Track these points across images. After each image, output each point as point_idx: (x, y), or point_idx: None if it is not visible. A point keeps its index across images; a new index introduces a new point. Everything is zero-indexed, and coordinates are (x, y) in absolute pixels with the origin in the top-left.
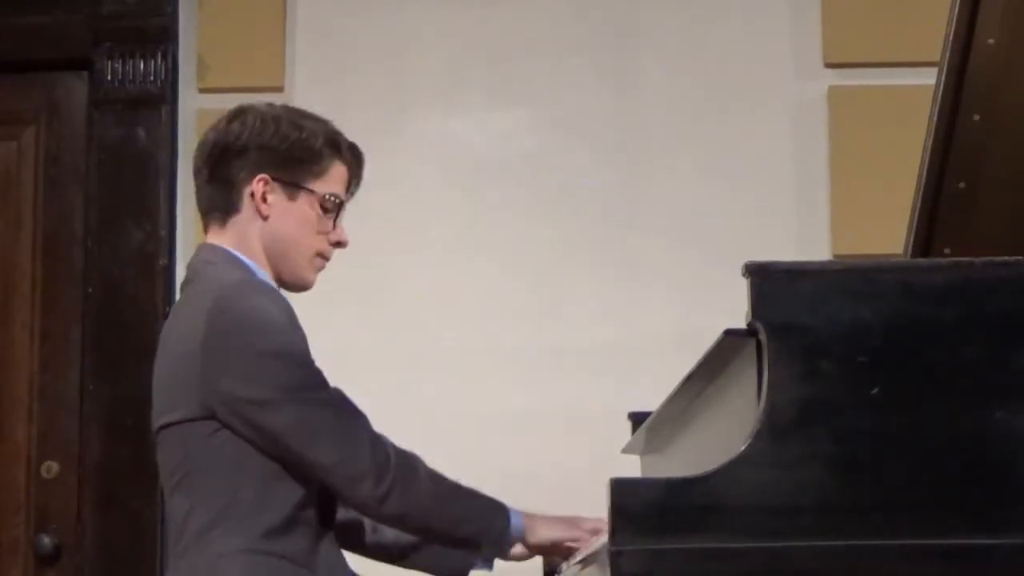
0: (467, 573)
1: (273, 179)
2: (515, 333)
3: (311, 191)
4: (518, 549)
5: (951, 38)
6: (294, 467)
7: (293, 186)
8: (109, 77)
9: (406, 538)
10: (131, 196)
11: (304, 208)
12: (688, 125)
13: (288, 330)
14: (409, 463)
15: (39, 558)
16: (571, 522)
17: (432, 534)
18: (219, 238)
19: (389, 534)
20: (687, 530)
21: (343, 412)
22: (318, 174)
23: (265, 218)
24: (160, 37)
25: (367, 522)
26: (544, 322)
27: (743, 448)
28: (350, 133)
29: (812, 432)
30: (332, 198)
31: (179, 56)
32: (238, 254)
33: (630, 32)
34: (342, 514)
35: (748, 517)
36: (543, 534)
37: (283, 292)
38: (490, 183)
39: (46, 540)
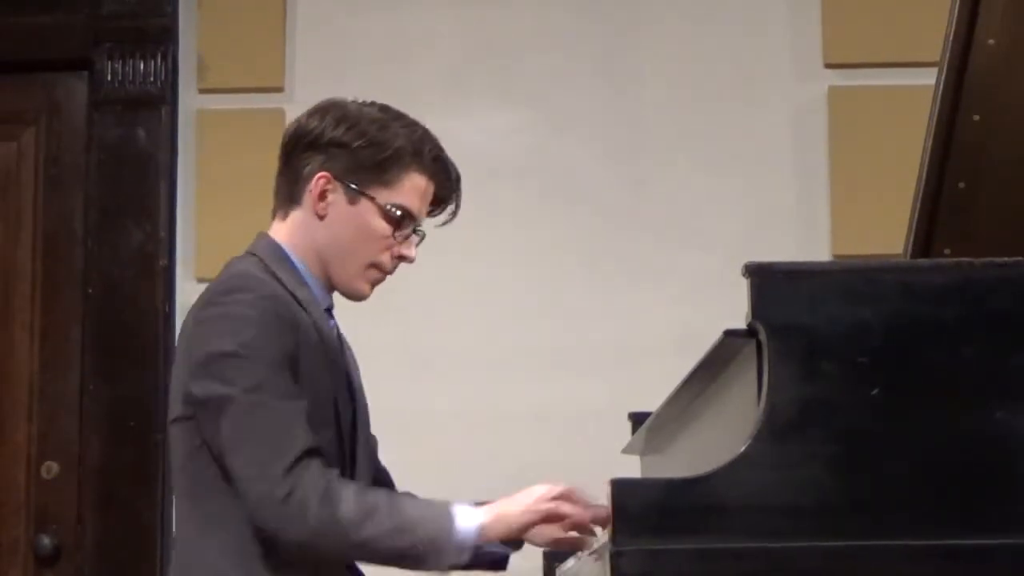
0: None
1: (335, 178)
2: (515, 333)
3: (372, 198)
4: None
5: (951, 38)
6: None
7: (355, 190)
8: (109, 77)
9: None
10: (131, 196)
11: (363, 216)
12: (688, 125)
13: (256, 329)
14: (333, 489)
15: (39, 558)
16: (524, 503)
17: (361, 560)
18: (278, 229)
19: None
20: (687, 530)
21: (276, 425)
22: (388, 182)
23: (322, 218)
24: (160, 37)
25: None
26: (544, 322)
27: (743, 448)
28: None
29: (812, 432)
30: (396, 210)
31: (179, 56)
32: (287, 249)
33: (630, 32)
34: None
35: (748, 517)
36: (516, 520)
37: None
38: (491, 183)
39: (46, 540)
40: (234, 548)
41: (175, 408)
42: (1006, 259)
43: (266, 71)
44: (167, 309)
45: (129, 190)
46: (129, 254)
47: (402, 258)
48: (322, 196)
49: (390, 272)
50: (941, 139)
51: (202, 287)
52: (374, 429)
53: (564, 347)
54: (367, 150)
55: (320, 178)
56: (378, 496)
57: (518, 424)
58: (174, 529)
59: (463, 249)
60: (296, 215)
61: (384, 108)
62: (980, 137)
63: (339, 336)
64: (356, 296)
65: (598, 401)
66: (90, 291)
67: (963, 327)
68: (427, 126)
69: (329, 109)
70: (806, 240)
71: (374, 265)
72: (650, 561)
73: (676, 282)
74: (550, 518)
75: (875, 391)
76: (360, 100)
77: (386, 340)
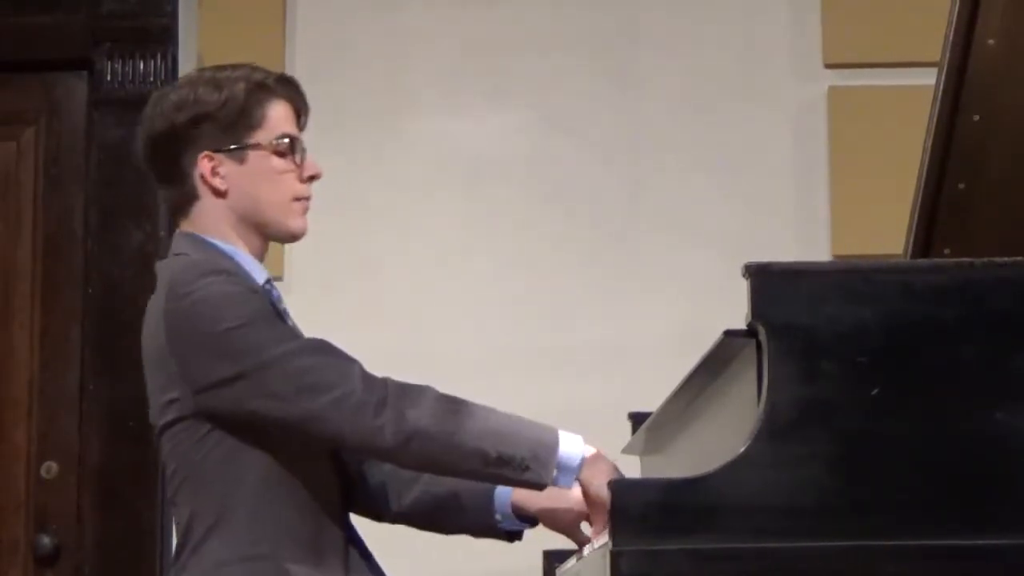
0: (492, 521)
1: (215, 152)
2: (514, 333)
3: (256, 145)
4: (565, 502)
5: (951, 38)
6: (287, 456)
7: (237, 150)
8: (109, 77)
9: (428, 497)
10: (131, 196)
11: (258, 165)
12: (688, 125)
13: (243, 300)
14: (412, 388)
15: (38, 558)
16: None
17: (456, 463)
18: (189, 228)
19: (408, 499)
20: (687, 531)
21: (321, 354)
22: (256, 125)
23: (224, 193)
24: (160, 37)
25: (391, 491)
26: (543, 322)
27: (743, 449)
28: (350, 133)
29: (812, 432)
30: (282, 140)
31: (179, 56)
32: (208, 238)
33: (630, 32)
34: (361, 487)
35: (748, 518)
36: (600, 480)
37: (254, 270)
38: (490, 182)
39: (46, 540)
40: (249, 541)
41: (164, 416)
42: (1006, 259)
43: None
44: None
45: (129, 190)
46: (129, 254)
47: (312, 178)
48: (213, 174)
49: (310, 196)
50: (941, 139)
51: None
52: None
53: (563, 347)
54: (222, 110)
55: (202, 160)
56: (475, 404)
57: None
58: (180, 532)
59: (462, 249)
60: (199, 207)
61: (204, 70)
62: (980, 137)
63: (286, 312)
64: (298, 234)
65: (597, 401)
66: (90, 291)
67: (963, 327)
68: (427, 126)
69: (160, 102)
70: (806, 240)
71: (295, 198)
72: (650, 561)
73: (676, 282)
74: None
75: (875, 391)
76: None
77: (384, 340)
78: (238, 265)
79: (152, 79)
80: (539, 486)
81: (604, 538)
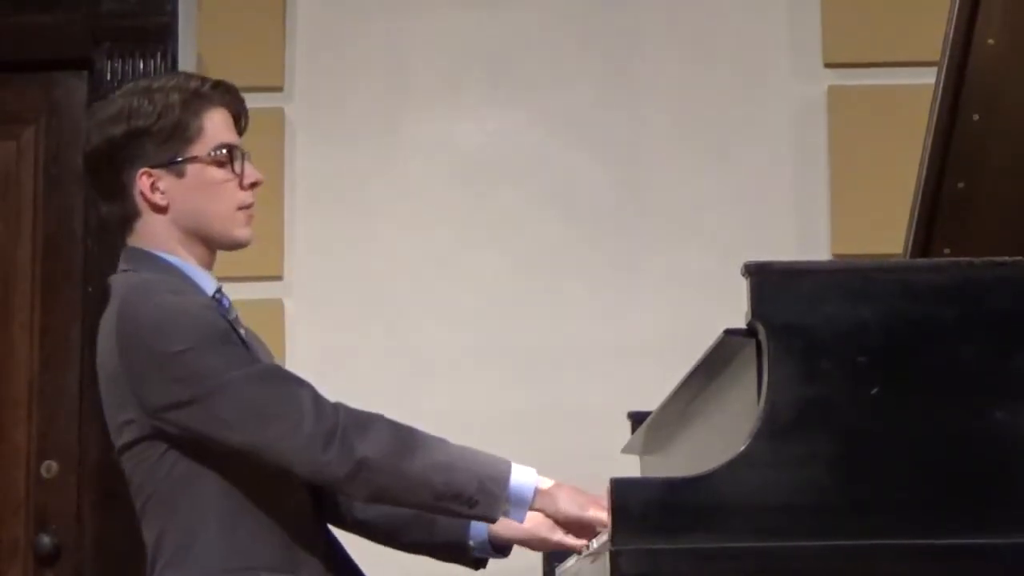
0: (464, 546)
1: (153, 168)
2: (514, 332)
3: (194, 158)
4: (524, 528)
5: (951, 38)
6: (250, 467)
7: (174, 164)
8: (109, 77)
9: (392, 513)
10: None
11: (197, 178)
12: (687, 125)
13: (194, 321)
14: (363, 418)
15: (39, 558)
16: (599, 502)
17: (405, 496)
18: (136, 243)
19: (372, 509)
20: (687, 530)
21: (273, 382)
22: (192, 137)
23: (165, 208)
24: (160, 36)
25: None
26: (543, 321)
27: (743, 448)
28: (349, 133)
29: (812, 432)
30: (220, 151)
31: (179, 56)
32: (154, 252)
33: (629, 32)
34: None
35: (748, 517)
36: (565, 507)
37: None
38: (490, 182)
39: (46, 540)
40: (225, 553)
41: (123, 436)
42: (1006, 258)
43: (266, 70)
44: None
45: None
46: None
47: (254, 185)
48: (153, 190)
49: (252, 203)
50: (941, 139)
51: None
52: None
53: (563, 346)
54: (157, 124)
55: (141, 177)
56: (431, 436)
57: (517, 424)
58: (151, 547)
59: (462, 249)
60: (143, 223)
61: (136, 84)
62: (980, 137)
63: (238, 319)
64: (243, 242)
65: (597, 400)
66: (90, 290)
67: (963, 327)
68: (427, 125)
69: (96, 118)
70: (806, 239)
71: (239, 207)
72: (649, 560)
73: (675, 281)
74: (586, 529)
75: (875, 390)
76: (110, 91)
77: (382, 340)
78: (186, 278)
79: None
80: (489, 520)
81: (604, 537)
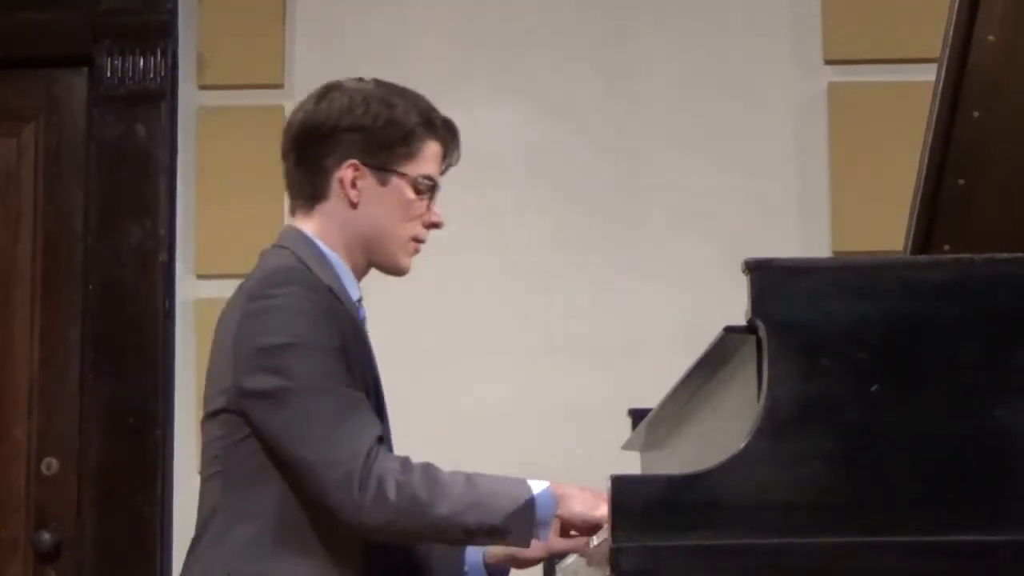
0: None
1: (363, 164)
2: (515, 328)
3: (403, 174)
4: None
5: (951, 35)
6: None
7: (384, 171)
8: (109, 74)
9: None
10: (131, 193)
11: (396, 193)
12: (688, 121)
13: (310, 322)
14: (403, 469)
15: (39, 555)
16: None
17: (441, 538)
18: (303, 224)
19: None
20: (687, 527)
21: (345, 412)
22: (410, 156)
23: (355, 205)
24: (160, 34)
25: None
26: (544, 318)
27: (743, 445)
28: None
29: (812, 429)
30: (425, 180)
31: (179, 53)
32: (317, 241)
33: (630, 27)
34: None
35: (748, 514)
36: (579, 509)
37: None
38: (491, 178)
39: (46, 537)
40: (259, 540)
41: (215, 401)
42: (1006, 255)
43: (266, 67)
44: (167, 306)
45: (129, 187)
46: (129, 251)
47: (434, 225)
48: (352, 184)
49: (425, 241)
50: (941, 136)
51: (202, 283)
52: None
53: (563, 343)
54: (385, 129)
55: (348, 167)
56: (452, 474)
57: (517, 420)
58: (201, 516)
59: (464, 243)
60: (324, 208)
61: (380, 83)
62: (980, 134)
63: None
64: (401, 272)
65: (598, 397)
66: (90, 288)
67: (963, 323)
68: None
69: (331, 93)
70: (806, 236)
71: (413, 238)
72: (650, 557)
73: (676, 278)
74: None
75: (875, 387)
76: (355, 79)
77: (385, 334)
78: (336, 276)
79: (152, 76)
80: (522, 546)
81: (604, 534)
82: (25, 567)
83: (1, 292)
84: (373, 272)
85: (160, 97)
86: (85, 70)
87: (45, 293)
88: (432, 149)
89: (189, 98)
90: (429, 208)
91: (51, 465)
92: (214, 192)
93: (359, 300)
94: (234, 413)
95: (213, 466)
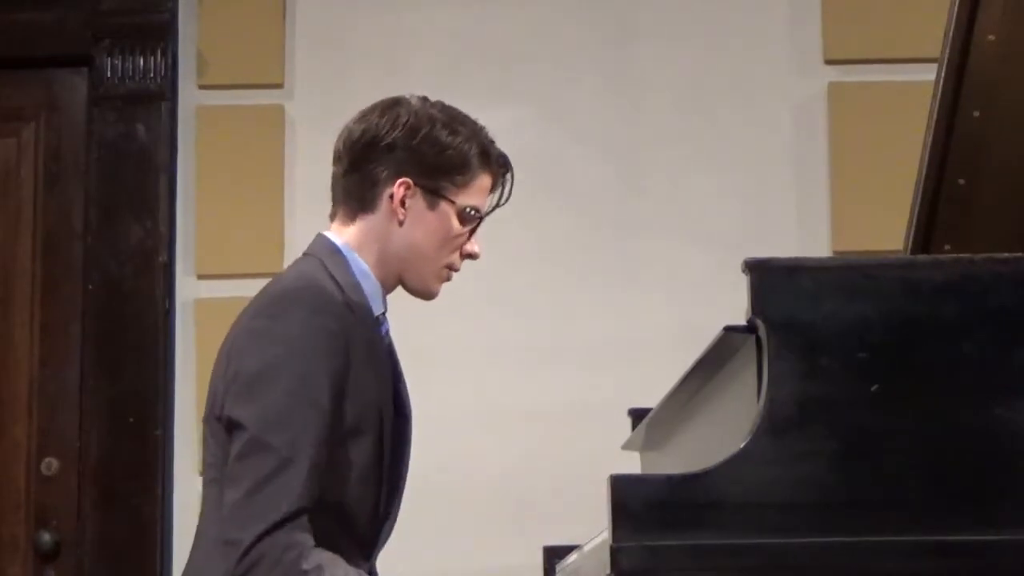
0: None
1: (416, 184)
2: (515, 329)
3: (452, 202)
4: None
5: (951, 34)
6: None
7: (435, 195)
8: (109, 74)
9: None
10: (131, 192)
11: (442, 219)
12: (688, 122)
13: (302, 351)
14: (298, 565)
15: (39, 554)
16: None
17: None
18: (340, 232)
19: None
20: (687, 526)
21: (272, 476)
22: (462, 185)
23: (400, 223)
24: (160, 33)
25: None
26: (544, 318)
27: (743, 444)
28: None
29: (812, 428)
30: (472, 211)
31: (179, 52)
32: (351, 253)
33: (630, 28)
34: None
35: (748, 513)
36: None
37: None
38: None
39: (46, 536)
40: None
41: (211, 406)
42: (1006, 255)
43: (266, 67)
44: (167, 305)
45: (129, 186)
46: (129, 250)
47: (470, 256)
48: (402, 202)
49: (459, 270)
50: (941, 135)
51: (202, 283)
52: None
53: (564, 343)
54: (443, 155)
55: (401, 184)
56: None
57: (518, 420)
58: (201, 519)
59: None
60: (368, 220)
61: (443, 107)
62: (980, 133)
63: (391, 348)
64: (430, 297)
65: (598, 397)
66: (90, 287)
67: (963, 323)
68: None
69: (396, 111)
70: (806, 236)
71: (448, 266)
72: (650, 557)
73: (676, 278)
74: None
75: (875, 387)
76: (419, 96)
77: None
78: (361, 291)
79: (152, 75)
80: None
81: (604, 534)
82: (25, 567)
83: (1, 291)
84: None
85: (160, 97)
86: (85, 70)
87: (45, 292)
88: (484, 182)
89: (189, 98)
90: (470, 238)
91: (51, 465)
92: (214, 191)
93: (383, 314)
94: (222, 423)
95: (210, 472)
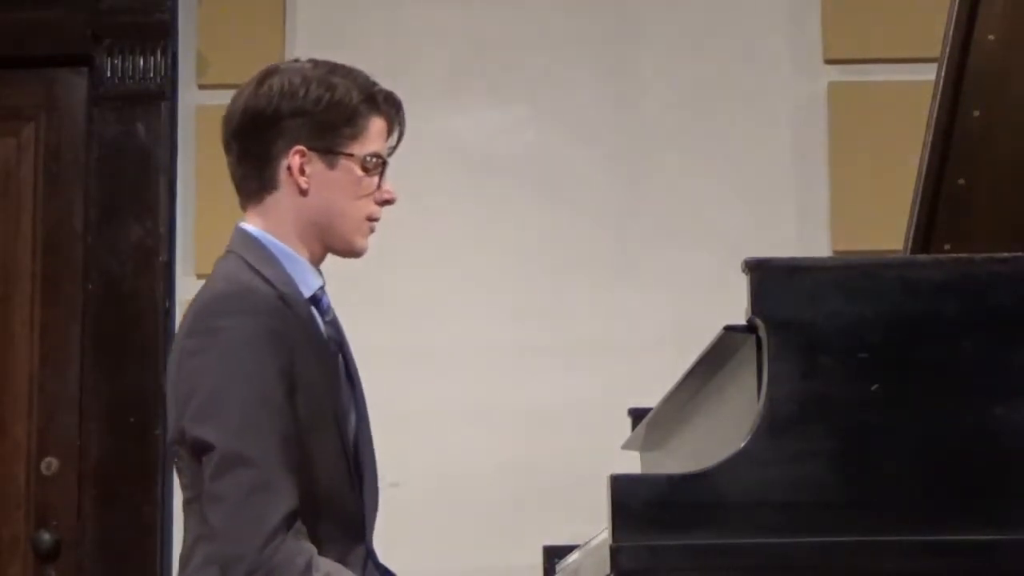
0: None
1: (310, 149)
2: (514, 329)
3: (350, 155)
4: None
5: (951, 34)
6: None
7: (331, 153)
8: (109, 73)
9: None
10: (131, 192)
11: (346, 175)
12: (688, 121)
13: (249, 358)
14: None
15: (39, 554)
16: None
17: None
18: (254, 219)
19: None
20: (687, 526)
21: (255, 490)
22: (355, 135)
23: (305, 192)
24: (160, 33)
25: None
26: (544, 318)
27: (743, 444)
28: None
29: (812, 428)
30: (374, 158)
31: (179, 52)
32: (270, 239)
33: (630, 28)
34: None
35: (748, 513)
36: None
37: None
38: (491, 180)
39: (46, 536)
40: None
41: (175, 430)
42: (1006, 255)
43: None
44: (167, 305)
45: (129, 186)
46: (129, 250)
47: (387, 202)
48: (301, 171)
49: (379, 218)
50: (941, 135)
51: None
52: (372, 426)
53: (564, 343)
54: (328, 111)
55: (295, 153)
56: None
57: (517, 420)
58: (186, 542)
59: (462, 245)
60: (274, 199)
61: (318, 62)
62: (980, 133)
63: (334, 321)
64: (357, 253)
65: (598, 396)
66: (90, 287)
67: (963, 323)
68: (427, 124)
69: (269, 82)
70: (806, 236)
71: (368, 217)
72: (650, 556)
73: (676, 277)
74: None
75: (875, 387)
76: (291, 60)
77: (384, 336)
78: (289, 277)
79: (152, 75)
80: None
81: (604, 534)
82: (25, 567)
83: (1, 291)
84: (373, 273)
85: (160, 97)
86: (85, 70)
87: (45, 292)
88: (377, 126)
89: (189, 98)
90: (379, 186)
91: (51, 465)
92: (214, 191)
93: (321, 287)
94: (186, 447)
95: (187, 491)
